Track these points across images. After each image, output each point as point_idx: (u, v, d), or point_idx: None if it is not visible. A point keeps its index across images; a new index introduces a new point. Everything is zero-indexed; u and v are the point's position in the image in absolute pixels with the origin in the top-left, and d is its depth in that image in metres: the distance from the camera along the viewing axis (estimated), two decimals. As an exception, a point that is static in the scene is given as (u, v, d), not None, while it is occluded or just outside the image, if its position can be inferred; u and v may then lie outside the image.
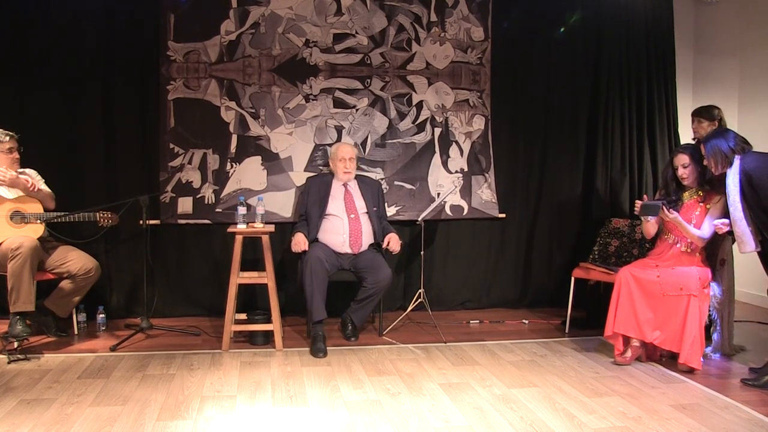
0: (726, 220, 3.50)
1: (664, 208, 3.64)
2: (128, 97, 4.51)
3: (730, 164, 3.38)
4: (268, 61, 4.66)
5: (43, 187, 3.98)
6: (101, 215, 3.92)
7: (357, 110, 4.78)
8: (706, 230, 3.63)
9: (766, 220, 3.27)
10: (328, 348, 3.82)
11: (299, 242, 4.02)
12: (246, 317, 4.08)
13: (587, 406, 3.01)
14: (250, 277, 4.09)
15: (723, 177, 3.44)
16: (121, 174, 4.53)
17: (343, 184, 4.29)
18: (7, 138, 3.79)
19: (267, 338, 4.02)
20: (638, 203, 3.72)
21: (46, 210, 3.89)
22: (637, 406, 3.02)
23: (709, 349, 3.78)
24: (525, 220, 5.14)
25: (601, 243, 4.54)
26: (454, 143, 4.93)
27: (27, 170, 3.97)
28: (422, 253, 4.43)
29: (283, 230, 4.65)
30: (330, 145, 4.70)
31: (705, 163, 3.51)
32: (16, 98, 4.36)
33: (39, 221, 3.81)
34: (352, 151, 4.30)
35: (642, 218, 3.80)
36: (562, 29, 5.08)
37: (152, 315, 4.23)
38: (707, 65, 5.52)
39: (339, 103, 4.76)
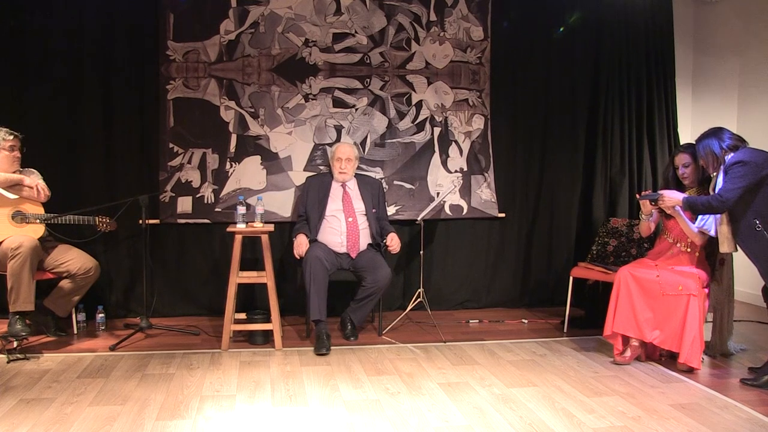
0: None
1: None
2: (128, 97, 4.51)
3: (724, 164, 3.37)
4: (267, 60, 4.66)
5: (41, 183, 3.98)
6: (100, 220, 3.93)
7: (356, 110, 4.78)
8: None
9: None
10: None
11: (300, 244, 4.02)
12: (245, 317, 4.07)
13: (586, 406, 3.01)
14: (250, 277, 4.09)
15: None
16: (120, 173, 4.53)
17: (342, 185, 4.28)
18: (11, 136, 3.80)
19: (266, 338, 4.02)
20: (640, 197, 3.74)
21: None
22: (637, 406, 3.02)
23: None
24: (524, 220, 5.14)
25: (600, 242, 4.54)
26: (453, 143, 4.93)
27: (27, 170, 3.96)
28: (421, 252, 4.43)
29: (283, 230, 4.66)
30: (329, 144, 4.71)
31: (700, 163, 3.50)
32: (15, 98, 4.35)
33: (39, 221, 3.81)
34: (351, 151, 4.28)
35: (640, 216, 3.80)
36: (561, 29, 5.08)
37: (151, 314, 4.24)
38: (707, 65, 5.52)
39: (338, 103, 4.76)
